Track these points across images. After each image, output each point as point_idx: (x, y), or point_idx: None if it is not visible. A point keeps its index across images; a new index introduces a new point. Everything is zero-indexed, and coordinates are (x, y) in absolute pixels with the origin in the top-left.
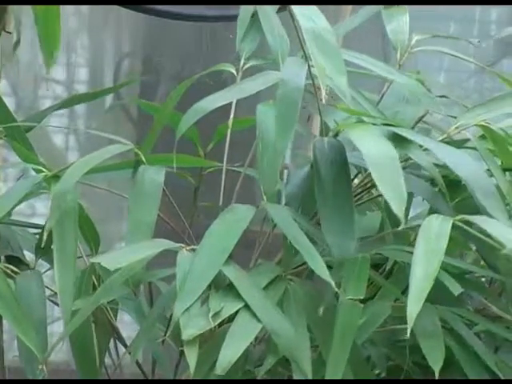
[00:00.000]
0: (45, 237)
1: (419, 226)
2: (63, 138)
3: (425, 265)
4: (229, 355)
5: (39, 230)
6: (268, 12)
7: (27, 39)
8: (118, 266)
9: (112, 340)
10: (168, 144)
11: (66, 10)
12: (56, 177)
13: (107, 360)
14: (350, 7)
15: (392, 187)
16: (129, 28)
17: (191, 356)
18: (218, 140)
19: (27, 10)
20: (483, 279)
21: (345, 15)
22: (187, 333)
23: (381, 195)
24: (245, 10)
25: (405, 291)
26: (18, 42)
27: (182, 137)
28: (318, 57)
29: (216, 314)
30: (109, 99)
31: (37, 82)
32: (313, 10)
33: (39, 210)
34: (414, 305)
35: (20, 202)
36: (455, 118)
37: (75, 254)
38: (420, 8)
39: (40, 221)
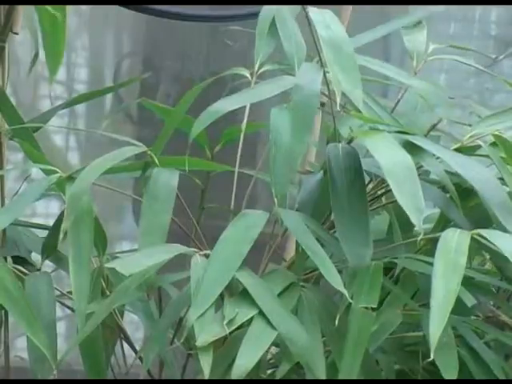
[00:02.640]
0: (61, 237)
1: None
2: (63, 137)
3: (445, 282)
4: (244, 363)
5: (42, 230)
6: (285, 16)
7: (27, 39)
8: (134, 272)
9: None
10: (170, 145)
11: (66, 9)
12: (70, 178)
13: (112, 359)
14: (350, 7)
15: (410, 198)
16: (129, 28)
17: (205, 362)
18: (225, 142)
19: (27, 10)
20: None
21: (345, 15)
22: (201, 339)
23: (390, 203)
24: (266, 12)
25: (413, 297)
26: (36, 56)
27: (187, 137)
28: (335, 67)
29: (230, 321)
30: (108, 100)
31: (37, 82)
32: (330, 16)
33: (39, 210)
34: (437, 325)
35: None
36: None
37: (90, 255)
38: (419, 8)
39: (40, 221)
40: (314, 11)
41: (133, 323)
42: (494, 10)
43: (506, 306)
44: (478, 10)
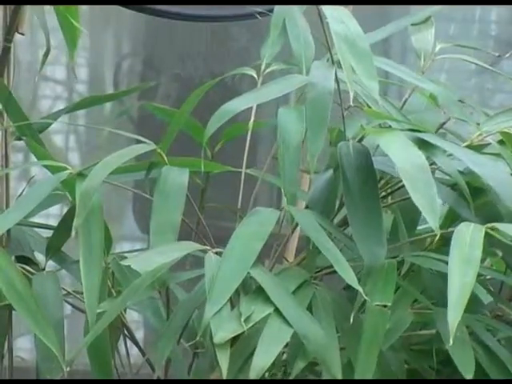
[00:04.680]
0: (73, 234)
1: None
2: (63, 138)
3: (461, 274)
4: (262, 360)
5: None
6: (296, 15)
7: (27, 39)
8: (149, 269)
9: (122, 339)
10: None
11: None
12: (81, 175)
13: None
14: (350, 7)
15: (425, 197)
16: (129, 28)
17: (223, 359)
18: (225, 141)
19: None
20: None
21: None
22: (219, 336)
23: (395, 202)
24: (279, 11)
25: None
26: (47, 53)
27: (187, 137)
28: (349, 60)
29: (247, 318)
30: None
31: (37, 82)
32: (344, 12)
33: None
34: (454, 314)
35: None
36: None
37: (102, 253)
38: (420, 8)
39: (41, 221)
40: (327, 8)
41: (133, 322)
42: (494, 10)
43: (508, 305)
44: (478, 10)
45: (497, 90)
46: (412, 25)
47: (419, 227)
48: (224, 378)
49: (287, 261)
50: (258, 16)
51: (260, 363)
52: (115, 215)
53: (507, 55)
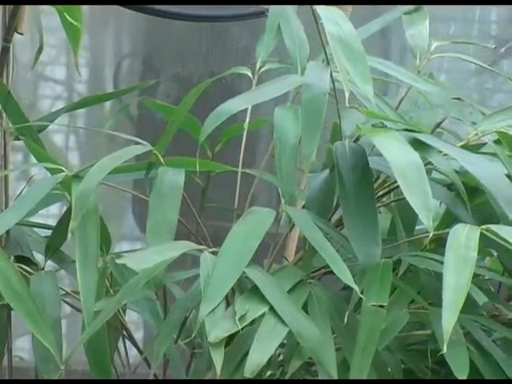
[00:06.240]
0: (69, 236)
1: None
2: (63, 138)
3: (456, 276)
4: (257, 358)
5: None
6: (289, 14)
7: (27, 39)
8: (145, 267)
9: (121, 339)
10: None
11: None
12: (76, 177)
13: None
14: (349, 7)
15: (419, 197)
16: (129, 28)
17: (217, 358)
18: (225, 142)
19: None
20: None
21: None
22: (213, 335)
23: (393, 202)
24: (274, 12)
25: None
26: (40, 49)
27: (187, 136)
28: (343, 62)
29: (241, 317)
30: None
31: (37, 82)
32: (338, 13)
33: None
34: (449, 317)
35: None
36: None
37: (98, 254)
38: None
39: (40, 221)
40: (322, 8)
41: (133, 323)
42: (494, 10)
43: (506, 305)
44: (478, 10)
45: (496, 90)
46: (405, 14)
47: (418, 227)
48: (218, 376)
49: (287, 260)
50: (256, 16)
51: (255, 360)
52: (115, 215)
53: (503, 49)
